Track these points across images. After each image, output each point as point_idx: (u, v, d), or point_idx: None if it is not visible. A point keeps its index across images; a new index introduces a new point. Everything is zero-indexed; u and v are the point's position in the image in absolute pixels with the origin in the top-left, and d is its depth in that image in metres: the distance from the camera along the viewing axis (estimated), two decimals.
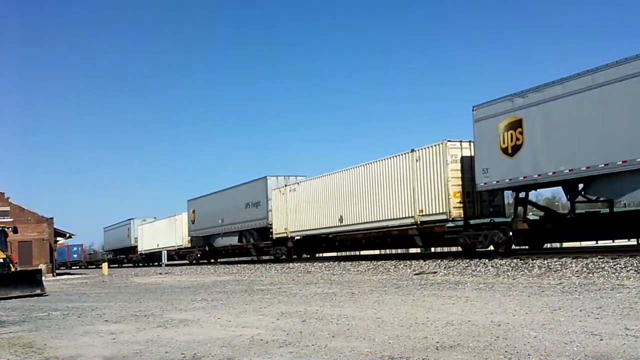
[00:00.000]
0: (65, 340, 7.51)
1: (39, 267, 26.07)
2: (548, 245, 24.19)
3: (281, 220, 29.17)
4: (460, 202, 18.49)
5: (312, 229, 26.99)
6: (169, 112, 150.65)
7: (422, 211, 19.77)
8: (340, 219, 24.53)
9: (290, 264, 27.20)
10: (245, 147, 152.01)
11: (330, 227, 25.73)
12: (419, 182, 19.85)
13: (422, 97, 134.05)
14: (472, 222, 18.43)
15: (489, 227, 17.84)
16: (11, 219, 37.82)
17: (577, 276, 12.48)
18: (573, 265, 13.67)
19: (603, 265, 12.97)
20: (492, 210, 18.79)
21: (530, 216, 18.03)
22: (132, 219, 53.21)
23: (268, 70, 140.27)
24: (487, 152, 17.46)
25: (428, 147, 19.60)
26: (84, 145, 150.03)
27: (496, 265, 15.74)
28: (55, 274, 43.88)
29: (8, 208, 41.98)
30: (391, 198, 21.25)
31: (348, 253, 29.88)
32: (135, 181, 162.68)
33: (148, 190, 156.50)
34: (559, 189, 18.05)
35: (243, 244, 34.03)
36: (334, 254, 30.56)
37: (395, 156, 21.25)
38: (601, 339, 5.59)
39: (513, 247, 17.91)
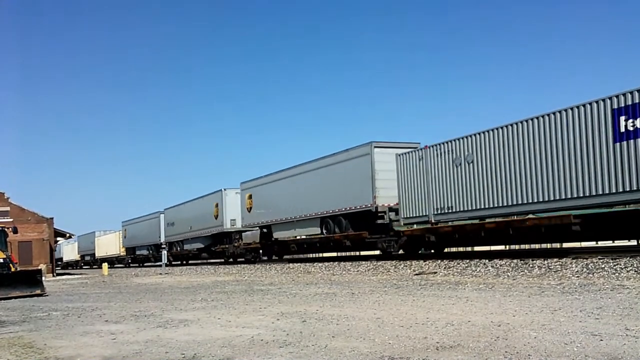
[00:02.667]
0: (65, 340, 7.51)
1: (39, 267, 26.09)
2: (548, 245, 24.31)
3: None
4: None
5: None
6: (171, 111, 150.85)
7: None
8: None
9: (290, 264, 27.42)
10: (245, 147, 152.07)
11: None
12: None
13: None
14: None
15: None
16: (11, 219, 37.87)
17: (577, 276, 12.49)
18: (573, 265, 13.68)
19: (603, 266, 12.98)
20: None
21: None
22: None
23: (268, 67, 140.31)
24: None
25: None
26: (85, 144, 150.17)
27: (496, 265, 15.76)
28: (55, 274, 43.91)
29: (8, 208, 42.02)
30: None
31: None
32: (137, 180, 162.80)
33: (150, 189, 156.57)
34: None
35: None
36: None
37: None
38: (601, 340, 5.59)
39: None
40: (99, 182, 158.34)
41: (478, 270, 15.63)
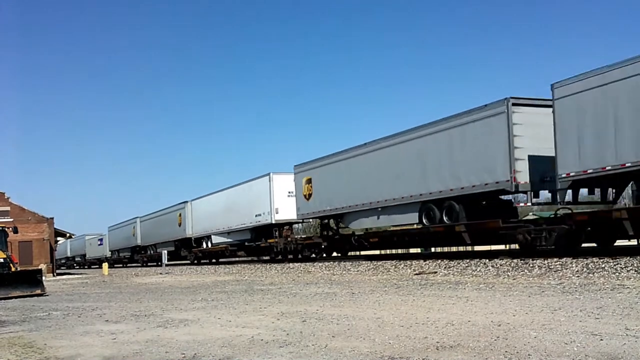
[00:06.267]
0: (66, 340, 7.51)
1: (39, 267, 26.09)
2: None
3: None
4: None
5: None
6: (171, 110, 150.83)
7: None
8: None
9: (290, 264, 27.29)
10: (246, 145, 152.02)
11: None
12: None
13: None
14: None
15: None
16: (11, 219, 37.85)
17: (577, 276, 12.47)
18: (573, 265, 13.66)
19: (603, 265, 12.96)
20: None
21: None
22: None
23: (269, 66, 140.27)
24: None
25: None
26: (85, 144, 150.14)
27: (496, 265, 15.74)
28: (55, 274, 43.90)
29: (8, 208, 42.01)
30: None
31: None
32: (137, 179, 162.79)
33: (150, 188, 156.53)
34: None
35: None
36: None
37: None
38: (601, 339, 5.59)
39: None
40: (99, 182, 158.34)
41: (478, 269, 15.61)
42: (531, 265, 14.66)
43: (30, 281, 16.99)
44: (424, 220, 20.30)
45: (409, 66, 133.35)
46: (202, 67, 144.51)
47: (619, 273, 12.06)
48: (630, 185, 14.99)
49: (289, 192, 28.84)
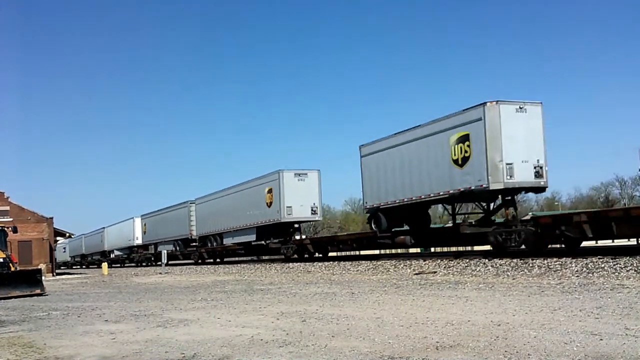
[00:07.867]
0: (65, 340, 7.51)
1: (39, 267, 26.08)
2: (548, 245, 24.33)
3: None
4: None
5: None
6: (170, 110, 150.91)
7: None
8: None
9: (290, 264, 27.42)
10: (246, 145, 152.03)
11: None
12: None
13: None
14: None
15: None
16: (11, 219, 37.80)
17: (577, 276, 12.48)
18: (573, 265, 13.67)
19: (603, 265, 12.96)
20: None
21: None
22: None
23: (269, 66, 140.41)
24: None
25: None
26: (85, 144, 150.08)
27: (496, 265, 15.74)
28: (55, 273, 43.91)
29: (8, 208, 41.97)
30: None
31: None
32: (136, 179, 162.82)
33: (150, 188, 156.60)
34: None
35: None
36: None
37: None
38: (601, 339, 5.59)
39: None
40: (98, 182, 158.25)
41: (478, 269, 15.62)
42: (531, 265, 14.67)
43: (30, 281, 17.00)
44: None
45: (408, 67, 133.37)
46: (202, 67, 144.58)
47: (619, 273, 12.07)
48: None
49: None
